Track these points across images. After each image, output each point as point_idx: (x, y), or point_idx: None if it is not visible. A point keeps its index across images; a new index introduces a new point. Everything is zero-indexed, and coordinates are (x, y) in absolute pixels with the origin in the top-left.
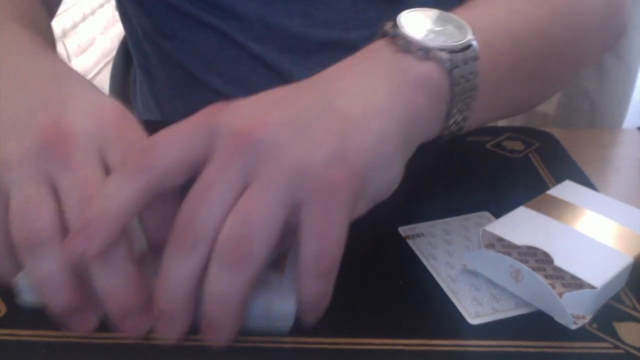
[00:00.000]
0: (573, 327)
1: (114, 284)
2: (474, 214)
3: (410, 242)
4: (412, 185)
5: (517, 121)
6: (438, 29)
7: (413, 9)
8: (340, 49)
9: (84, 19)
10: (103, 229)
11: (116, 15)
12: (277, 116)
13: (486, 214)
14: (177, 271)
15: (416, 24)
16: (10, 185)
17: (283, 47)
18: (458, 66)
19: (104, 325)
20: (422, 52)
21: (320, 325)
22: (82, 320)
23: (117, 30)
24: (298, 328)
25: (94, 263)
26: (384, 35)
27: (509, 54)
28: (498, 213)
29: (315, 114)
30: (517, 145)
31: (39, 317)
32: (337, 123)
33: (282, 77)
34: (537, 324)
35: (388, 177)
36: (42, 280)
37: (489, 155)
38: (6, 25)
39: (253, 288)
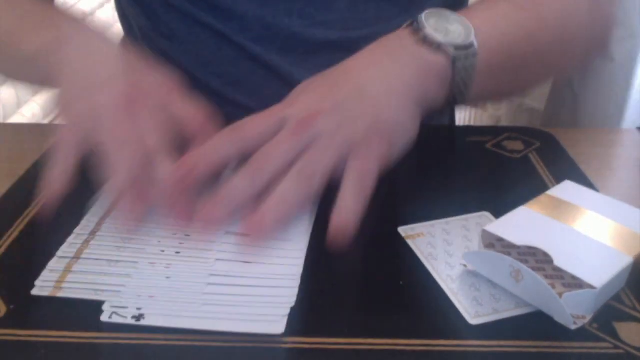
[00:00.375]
0: (573, 327)
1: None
2: (474, 214)
3: (410, 242)
4: (412, 185)
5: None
6: (450, 27)
7: (432, 10)
8: (339, 49)
9: (83, 19)
10: (205, 167)
11: (116, 15)
12: (327, 105)
13: (486, 214)
14: (243, 184)
15: (434, 22)
16: (100, 126)
17: (282, 47)
18: (460, 60)
19: (104, 326)
20: (436, 46)
21: (321, 325)
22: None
23: (116, 31)
24: (297, 327)
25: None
26: (409, 26)
27: (501, 53)
28: (498, 213)
29: (353, 99)
30: (517, 145)
31: (39, 317)
32: (369, 106)
33: (281, 78)
34: (537, 324)
35: (407, 136)
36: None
37: (489, 155)
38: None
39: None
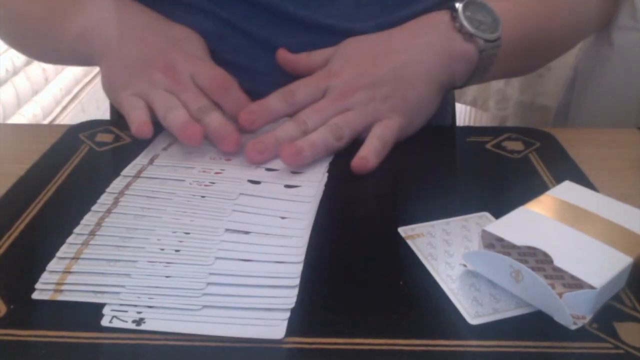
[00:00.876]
0: (573, 327)
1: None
2: (474, 214)
3: (410, 242)
4: (412, 185)
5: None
6: (482, 19)
7: (467, 1)
8: (346, 36)
9: None
10: (261, 123)
11: None
12: (364, 81)
13: (486, 214)
14: (288, 131)
15: (469, 12)
16: (150, 97)
17: (288, 33)
18: (486, 50)
19: (104, 327)
20: (468, 35)
21: (321, 325)
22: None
23: None
24: (297, 328)
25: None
26: (448, 8)
27: (519, 42)
28: (498, 213)
29: (388, 78)
30: (517, 146)
31: (39, 317)
32: (400, 88)
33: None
34: (537, 324)
35: (426, 116)
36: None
37: (489, 155)
38: None
39: None
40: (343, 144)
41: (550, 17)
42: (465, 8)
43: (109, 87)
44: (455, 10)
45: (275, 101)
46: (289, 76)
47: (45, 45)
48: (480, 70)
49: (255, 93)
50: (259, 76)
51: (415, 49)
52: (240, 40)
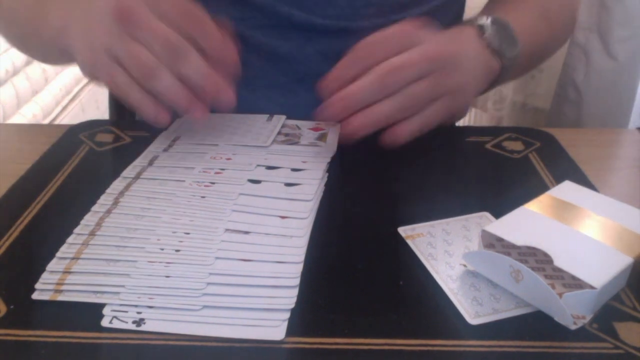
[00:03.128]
0: (573, 327)
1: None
2: (474, 214)
3: (410, 242)
4: (412, 185)
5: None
6: (505, 38)
7: (493, 17)
8: (341, 36)
9: None
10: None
11: None
12: (449, 49)
13: (486, 214)
14: (366, 92)
15: (494, 31)
16: (113, 51)
17: (282, 34)
18: (508, 64)
19: (104, 327)
20: (495, 53)
21: (321, 325)
22: (197, 107)
23: None
24: (297, 328)
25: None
26: (476, 24)
27: (527, 56)
28: (498, 213)
29: (460, 61)
30: (517, 146)
31: (38, 317)
32: (467, 72)
33: (279, 64)
34: (537, 324)
35: (464, 109)
36: (163, 92)
37: (489, 155)
38: None
39: None
40: (405, 117)
41: (549, 32)
42: (492, 26)
43: (86, 69)
44: (481, 27)
45: (366, 87)
46: (284, 86)
47: (39, 44)
48: (499, 80)
49: (249, 102)
50: (253, 84)
51: (467, 51)
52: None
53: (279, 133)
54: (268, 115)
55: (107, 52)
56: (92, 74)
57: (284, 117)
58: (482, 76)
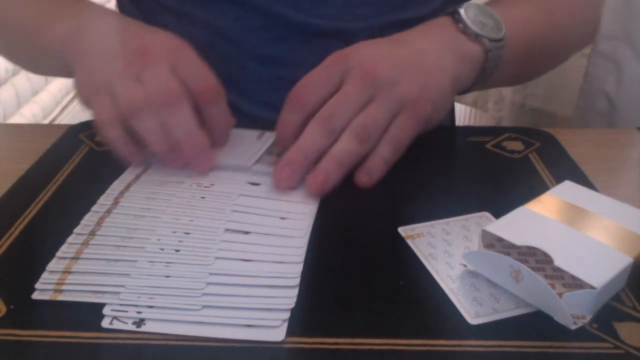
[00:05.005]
0: (573, 327)
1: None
2: (474, 214)
3: (410, 242)
4: (412, 185)
5: (511, 119)
6: (484, 20)
7: (469, 3)
8: (336, 39)
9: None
10: (302, 169)
11: None
12: (388, 62)
13: (486, 214)
14: (316, 137)
15: (472, 14)
16: (112, 86)
17: (278, 36)
18: (492, 50)
19: (99, 327)
20: (474, 35)
21: (321, 325)
22: (171, 158)
23: None
24: (297, 328)
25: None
26: (450, 14)
27: (522, 47)
28: (498, 213)
29: (409, 65)
30: (517, 146)
31: (38, 317)
32: (423, 71)
33: (275, 70)
34: (537, 324)
35: (443, 108)
36: (143, 132)
37: (489, 155)
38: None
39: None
40: (368, 148)
41: (550, 23)
42: (466, 10)
43: (81, 91)
44: (456, 13)
45: (313, 136)
46: (278, 90)
47: (32, 52)
48: (487, 72)
49: (241, 108)
50: (247, 89)
51: (429, 39)
52: (229, 49)
53: (270, 153)
54: (259, 132)
55: (106, 85)
56: (85, 98)
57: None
58: (454, 66)
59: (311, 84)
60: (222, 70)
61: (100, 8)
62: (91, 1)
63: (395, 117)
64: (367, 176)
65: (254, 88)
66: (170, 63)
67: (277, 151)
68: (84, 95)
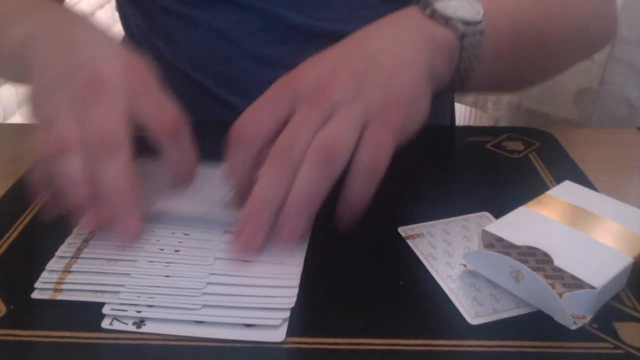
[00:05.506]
0: (573, 327)
1: (114, 184)
2: (474, 214)
3: (410, 242)
4: (412, 185)
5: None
6: (456, 5)
7: None
8: (337, 40)
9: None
10: (262, 233)
11: (116, 15)
12: (342, 75)
13: (486, 214)
14: (272, 187)
15: None
16: (54, 115)
17: (279, 38)
18: (468, 36)
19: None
20: (444, 20)
21: (321, 325)
22: (91, 215)
23: (117, 31)
24: (297, 328)
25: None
26: (417, 2)
27: (507, 36)
28: (498, 213)
29: (367, 68)
30: (517, 146)
31: (38, 317)
32: (383, 74)
33: (276, 71)
34: (537, 324)
35: (419, 110)
36: (62, 175)
37: (489, 155)
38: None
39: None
40: (339, 172)
41: (543, 15)
42: None
43: (30, 108)
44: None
45: (268, 182)
46: None
47: None
48: (467, 64)
49: (242, 109)
50: (247, 90)
51: (387, 37)
52: (230, 51)
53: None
54: None
55: (51, 118)
56: (33, 116)
57: None
58: (424, 57)
59: (254, 118)
60: (223, 71)
61: (63, 12)
62: (56, 3)
63: (362, 133)
64: (350, 209)
65: (255, 89)
66: (126, 97)
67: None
68: (33, 110)
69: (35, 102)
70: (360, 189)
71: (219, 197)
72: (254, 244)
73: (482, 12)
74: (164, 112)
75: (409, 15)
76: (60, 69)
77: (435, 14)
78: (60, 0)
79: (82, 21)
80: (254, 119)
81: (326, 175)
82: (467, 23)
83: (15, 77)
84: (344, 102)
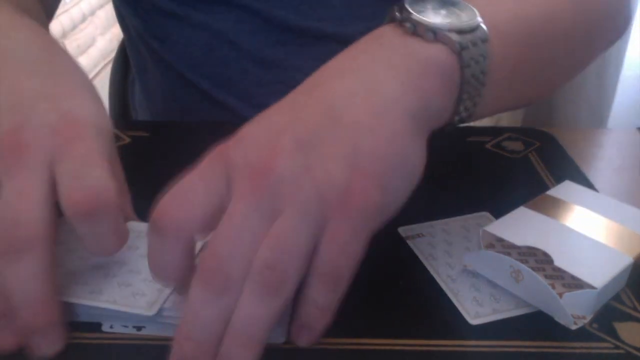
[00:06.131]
0: (573, 327)
1: (26, 298)
2: (474, 214)
3: (410, 242)
4: None
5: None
6: (444, 11)
7: None
8: (336, 41)
9: (83, 19)
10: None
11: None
12: (286, 142)
13: (486, 214)
14: (206, 314)
15: (423, 7)
16: None
17: (279, 40)
18: (467, 47)
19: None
20: (431, 33)
21: None
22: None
23: (116, 31)
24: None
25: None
26: (391, 20)
27: (518, 38)
28: (498, 213)
29: (322, 127)
30: (517, 146)
31: None
32: (345, 133)
33: (275, 73)
34: (537, 324)
35: (407, 172)
36: None
37: (489, 156)
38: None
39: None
40: (292, 291)
41: (556, 5)
42: (412, 4)
43: None
44: (399, 10)
45: (201, 307)
46: (278, 94)
47: None
48: (472, 84)
49: (239, 110)
50: (244, 91)
51: (354, 74)
52: (228, 52)
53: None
54: None
55: None
56: None
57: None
58: (406, 91)
59: (184, 199)
60: (221, 73)
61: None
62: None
63: (321, 226)
64: (308, 333)
65: (253, 91)
66: (47, 160)
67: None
68: None
69: None
70: (321, 302)
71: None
72: None
73: (477, 14)
74: (80, 184)
75: (384, 37)
76: None
77: (418, 27)
78: (50, 11)
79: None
80: (183, 200)
81: (270, 304)
82: (462, 31)
83: None
84: (290, 182)
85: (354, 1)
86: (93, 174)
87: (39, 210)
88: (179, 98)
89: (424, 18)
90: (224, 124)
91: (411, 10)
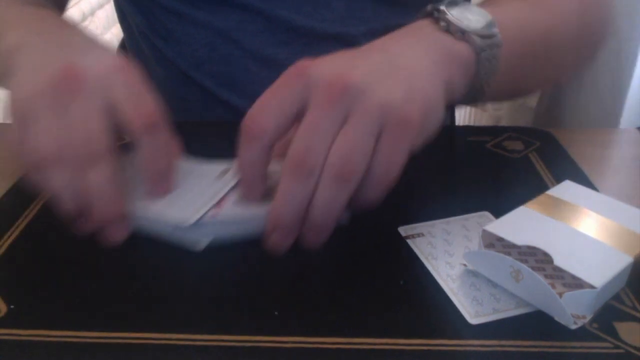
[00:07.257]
0: (573, 327)
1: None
2: (474, 214)
3: (410, 242)
4: (412, 185)
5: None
6: (470, 17)
7: (451, 0)
8: (339, 42)
9: (83, 19)
10: (293, 233)
11: (115, 15)
12: (359, 67)
13: (486, 214)
14: (296, 193)
15: (455, 12)
16: (30, 115)
17: (282, 40)
18: (485, 50)
19: (102, 325)
20: (460, 34)
21: (320, 325)
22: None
23: (116, 31)
24: (297, 328)
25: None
26: (428, 15)
27: (519, 48)
28: (498, 213)
29: (384, 68)
30: (517, 145)
31: (39, 317)
32: (402, 76)
33: (278, 72)
34: (537, 324)
35: (436, 118)
36: (54, 189)
37: (489, 155)
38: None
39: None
40: (356, 184)
41: (545, 21)
42: (449, 7)
43: (9, 112)
44: (436, 11)
45: (291, 192)
46: None
47: None
48: (483, 78)
49: (243, 109)
50: (247, 90)
51: (404, 45)
52: (231, 51)
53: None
54: (224, 167)
55: (27, 115)
56: (10, 115)
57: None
58: (442, 69)
59: (266, 110)
60: (225, 72)
61: (55, 20)
62: (51, 12)
63: (380, 135)
64: (356, 211)
65: (256, 90)
66: (102, 89)
67: (243, 196)
68: (11, 116)
69: (14, 101)
70: (371, 196)
71: (208, 201)
72: (283, 245)
73: (496, 25)
74: (139, 103)
75: (424, 29)
76: (38, 64)
77: (451, 26)
78: (61, 7)
79: (72, 29)
80: (265, 112)
81: (344, 190)
82: (483, 37)
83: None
84: (360, 97)
85: (356, 3)
86: (147, 97)
87: (101, 127)
88: (182, 96)
89: (456, 21)
90: (227, 122)
91: (447, 12)
